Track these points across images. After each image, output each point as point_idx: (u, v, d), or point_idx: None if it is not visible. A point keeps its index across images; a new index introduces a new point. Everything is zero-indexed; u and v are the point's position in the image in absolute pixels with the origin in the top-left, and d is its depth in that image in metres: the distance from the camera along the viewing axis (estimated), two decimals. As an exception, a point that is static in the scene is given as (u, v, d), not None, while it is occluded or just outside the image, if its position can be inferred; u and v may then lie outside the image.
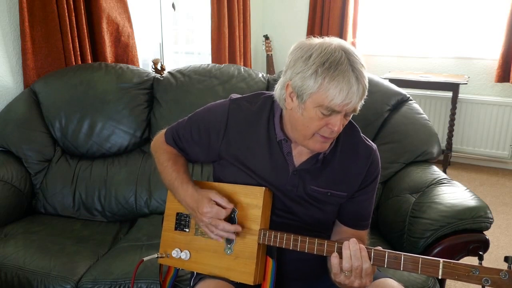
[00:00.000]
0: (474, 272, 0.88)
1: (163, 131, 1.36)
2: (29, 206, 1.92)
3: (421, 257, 0.94)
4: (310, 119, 1.05)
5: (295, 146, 1.18)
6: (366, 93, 1.05)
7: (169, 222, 1.30)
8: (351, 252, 1.00)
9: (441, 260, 0.92)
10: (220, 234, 1.15)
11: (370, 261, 0.99)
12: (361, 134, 1.23)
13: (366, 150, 1.21)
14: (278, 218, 1.18)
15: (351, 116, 1.10)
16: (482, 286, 0.88)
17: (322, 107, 1.02)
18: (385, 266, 0.98)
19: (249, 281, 1.11)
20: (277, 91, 1.15)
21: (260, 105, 1.22)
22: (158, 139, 1.36)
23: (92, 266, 1.52)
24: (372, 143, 1.23)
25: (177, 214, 1.29)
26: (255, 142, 1.19)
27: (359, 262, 0.98)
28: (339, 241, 1.05)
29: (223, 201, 1.15)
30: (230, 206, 1.15)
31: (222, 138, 1.21)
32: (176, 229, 1.28)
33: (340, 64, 1.00)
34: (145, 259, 1.29)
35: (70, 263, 1.51)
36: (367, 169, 1.20)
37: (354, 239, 1.02)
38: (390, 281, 1.13)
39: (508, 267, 0.87)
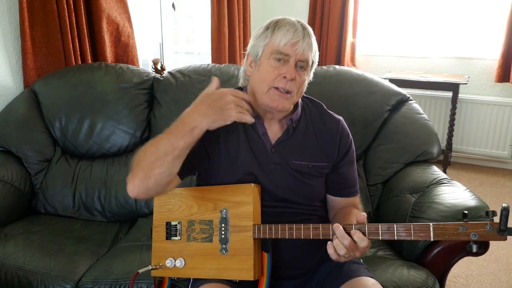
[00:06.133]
0: (461, 229, 0.94)
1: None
2: (29, 206, 1.92)
3: (413, 224, 0.99)
4: (266, 72, 1.16)
5: (268, 125, 1.24)
6: (316, 50, 1.19)
7: (158, 233, 1.28)
8: (338, 239, 1.02)
9: (431, 223, 0.97)
10: (245, 107, 1.05)
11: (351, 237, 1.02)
12: (325, 108, 1.34)
13: (334, 123, 1.30)
14: (269, 209, 1.19)
15: (306, 73, 1.19)
16: (473, 241, 0.93)
17: (273, 53, 1.14)
18: (380, 238, 1.02)
19: (249, 276, 1.11)
20: (241, 72, 1.30)
21: None
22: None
23: (92, 266, 1.52)
24: (338, 116, 1.33)
25: (167, 223, 1.26)
26: (233, 132, 1.21)
27: (347, 240, 1.01)
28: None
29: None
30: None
31: (203, 136, 1.20)
32: (167, 238, 1.26)
33: (286, 19, 1.18)
34: (140, 271, 1.26)
35: (70, 263, 1.51)
36: (339, 141, 1.28)
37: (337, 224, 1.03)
38: (365, 279, 1.12)
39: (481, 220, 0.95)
